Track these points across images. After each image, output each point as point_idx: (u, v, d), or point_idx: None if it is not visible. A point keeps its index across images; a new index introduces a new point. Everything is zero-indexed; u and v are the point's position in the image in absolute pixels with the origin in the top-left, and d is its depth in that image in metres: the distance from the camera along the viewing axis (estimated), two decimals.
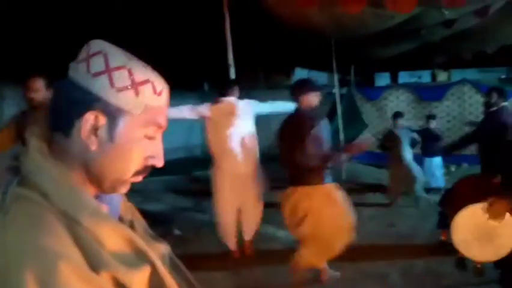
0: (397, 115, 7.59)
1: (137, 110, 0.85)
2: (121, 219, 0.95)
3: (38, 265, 0.69)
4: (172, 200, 7.39)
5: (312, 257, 4.02)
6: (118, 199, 0.97)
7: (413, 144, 7.46)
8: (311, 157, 3.75)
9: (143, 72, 0.86)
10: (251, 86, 8.29)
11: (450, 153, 7.51)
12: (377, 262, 4.72)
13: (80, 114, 0.81)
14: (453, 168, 10.26)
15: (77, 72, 0.83)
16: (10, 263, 0.69)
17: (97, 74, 0.82)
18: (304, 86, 4.02)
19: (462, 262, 4.35)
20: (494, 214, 3.03)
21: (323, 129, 3.96)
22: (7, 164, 0.82)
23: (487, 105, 5.57)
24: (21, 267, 0.68)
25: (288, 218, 4.01)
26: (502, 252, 3.10)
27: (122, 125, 0.84)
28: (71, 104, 0.82)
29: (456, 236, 3.21)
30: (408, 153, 7.29)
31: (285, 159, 3.92)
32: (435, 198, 6.92)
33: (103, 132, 0.83)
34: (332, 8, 5.88)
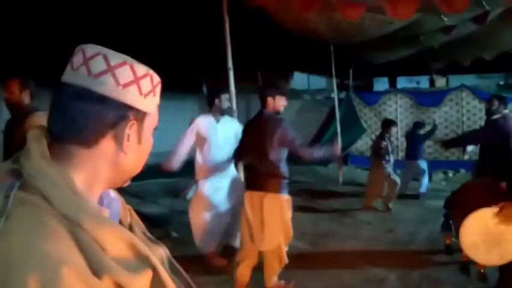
0: (388, 123, 7.56)
1: (153, 109, 0.93)
2: (120, 223, 0.95)
3: (41, 270, 0.69)
4: (170, 202, 7.38)
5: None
6: (118, 203, 0.98)
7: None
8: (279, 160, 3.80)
9: (155, 74, 0.93)
10: (249, 89, 8.29)
11: (448, 148, 7.54)
12: (374, 267, 4.72)
13: (115, 125, 0.86)
14: (451, 174, 10.28)
15: (103, 84, 0.84)
16: (13, 267, 0.69)
17: (127, 85, 0.86)
18: (274, 89, 3.99)
19: (466, 267, 4.36)
20: (504, 219, 3.03)
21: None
22: (8, 167, 0.82)
23: (489, 112, 5.60)
24: (24, 272, 0.68)
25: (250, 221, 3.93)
26: (508, 257, 3.10)
27: (146, 126, 0.92)
28: (104, 117, 0.85)
29: (465, 240, 3.20)
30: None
31: (252, 160, 3.94)
32: (433, 203, 6.96)
33: (134, 137, 0.89)
34: (330, 14, 5.90)
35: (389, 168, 7.25)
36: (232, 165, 4.79)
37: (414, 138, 8.29)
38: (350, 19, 5.46)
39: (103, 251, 0.77)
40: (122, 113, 0.86)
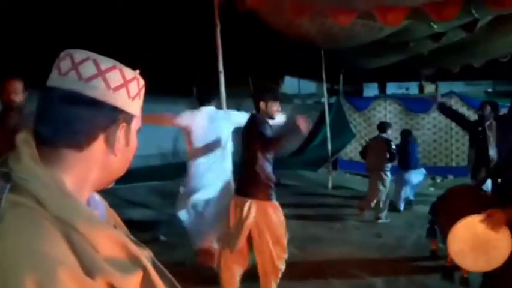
0: (381, 126, 7.55)
1: (138, 111, 0.94)
2: None
3: (37, 271, 0.69)
4: (158, 205, 7.34)
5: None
6: (102, 205, 0.99)
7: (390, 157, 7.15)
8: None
9: (141, 78, 0.94)
10: (240, 93, 8.29)
11: (444, 112, 7.12)
12: (362, 272, 4.73)
13: (106, 128, 0.87)
14: (439, 180, 10.37)
15: (93, 88, 0.85)
16: (9, 269, 0.69)
17: (117, 88, 0.87)
18: (266, 94, 3.98)
19: (450, 272, 4.39)
20: (492, 226, 3.05)
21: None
22: None
23: (481, 118, 5.68)
24: (20, 273, 0.69)
25: (233, 227, 3.89)
26: (494, 264, 3.12)
27: (132, 128, 0.93)
28: (96, 120, 0.86)
29: (452, 246, 3.22)
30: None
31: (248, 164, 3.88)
32: (421, 209, 7.01)
33: (123, 140, 0.91)
34: (321, 19, 5.93)
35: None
36: (228, 168, 4.69)
37: (407, 147, 7.89)
38: (341, 24, 5.49)
39: (95, 252, 0.78)
40: (113, 116, 0.87)
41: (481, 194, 3.61)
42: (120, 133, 0.89)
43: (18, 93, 3.57)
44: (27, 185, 0.78)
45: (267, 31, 6.73)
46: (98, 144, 0.87)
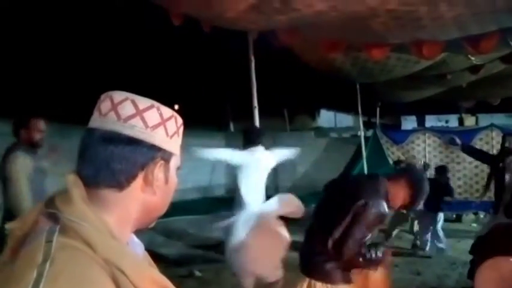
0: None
1: (178, 150, 0.96)
2: None
3: None
4: (195, 239, 7.35)
5: None
6: (141, 247, 1.00)
7: None
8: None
9: (179, 116, 0.96)
10: (275, 127, 8.35)
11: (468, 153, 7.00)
12: None
13: (145, 166, 0.89)
14: (482, 215, 9.98)
15: (132, 128, 0.87)
16: None
17: (155, 127, 0.89)
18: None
19: None
20: None
21: None
22: (43, 210, 0.85)
23: (504, 151, 5.53)
24: None
25: None
26: None
27: (171, 166, 0.95)
28: (134, 159, 0.88)
29: None
30: None
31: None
32: (464, 245, 6.75)
33: (161, 178, 0.92)
34: (355, 54, 5.96)
35: None
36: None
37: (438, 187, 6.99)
38: (375, 59, 5.50)
39: None
40: (151, 154, 0.89)
41: None
42: (158, 171, 0.90)
43: (42, 131, 3.65)
44: (78, 228, 0.80)
45: (302, 65, 6.81)
46: (138, 183, 0.89)
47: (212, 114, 10.55)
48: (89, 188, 0.86)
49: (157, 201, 0.93)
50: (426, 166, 7.73)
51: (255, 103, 5.48)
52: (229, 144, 7.91)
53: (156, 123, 0.89)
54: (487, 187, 6.69)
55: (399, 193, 2.66)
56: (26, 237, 0.82)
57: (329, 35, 5.13)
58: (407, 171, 2.85)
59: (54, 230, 0.79)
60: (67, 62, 6.68)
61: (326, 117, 15.84)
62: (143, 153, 0.88)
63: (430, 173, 7.79)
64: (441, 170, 7.61)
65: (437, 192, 6.88)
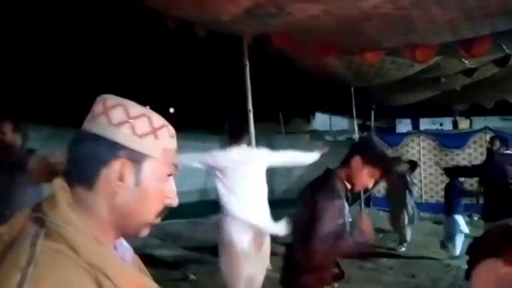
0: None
1: (157, 153, 0.91)
2: None
3: None
4: (189, 242, 7.35)
5: None
6: (130, 252, 1.00)
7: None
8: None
9: (159, 118, 0.93)
10: (270, 130, 8.37)
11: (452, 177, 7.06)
12: None
13: (107, 163, 0.86)
14: (476, 218, 10.02)
15: (98, 125, 0.87)
16: None
17: (119, 124, 0.87)
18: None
19: None
20: None
21: None
22: (29, 215, 0.85)
23: (489, 152, 5.58)
24: None
25: None
26: None
27: (146, 169, 0.89)
28: (97, 155, 0.86)
29: None
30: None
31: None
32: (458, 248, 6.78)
33: (129, 178, 0.88)
34: (350, 58, 5.99)
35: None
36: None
37: (451, 190, 7.08)
38: (370, 63, 5.53)
39: None
40: (113, 152, 0.87)
41: None
42: (124, 171, 0.87)
43: (6, 134, 3.52)
44: (62, 231, 0.80)
45: (297, 69, 6.83)
46: (103, 182, 0.87)
47: (207, 117, 10.56)
48: (71, 189, 0.86)
49: (128, 204, 0.88)
50: (413, 164, 7.92)
51: (250, 106, 5.50)
52: (224, 148, 7.91)
53: (121, 120, 0.87)
54: (480, 190, 6.72)
55: (362, 171, 2.56)
56: (14, 241, 0.82)
57: (322, 39, 5.16)
58: (353, 149, 2.67)
59: (39, 234, 0.79)
60: (63, 66, 6.68)
61: (321, 120, 15.87)
62: (104, 150, 0.86)
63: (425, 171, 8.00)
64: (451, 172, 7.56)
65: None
